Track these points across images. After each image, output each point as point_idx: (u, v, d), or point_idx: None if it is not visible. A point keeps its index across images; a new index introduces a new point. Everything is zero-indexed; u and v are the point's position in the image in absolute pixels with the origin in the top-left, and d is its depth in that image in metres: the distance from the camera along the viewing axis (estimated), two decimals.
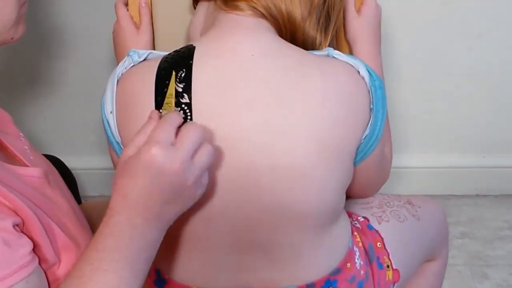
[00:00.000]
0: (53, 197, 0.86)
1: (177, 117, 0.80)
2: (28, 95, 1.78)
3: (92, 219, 1.00)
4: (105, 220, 0.76)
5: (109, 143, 0.94)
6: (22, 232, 0.76)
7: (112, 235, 0.75)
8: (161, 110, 0.83)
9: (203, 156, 0.78)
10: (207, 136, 0.81)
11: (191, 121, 0.80)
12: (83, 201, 1.40)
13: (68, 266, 0.80)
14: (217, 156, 0.84)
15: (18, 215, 0.76)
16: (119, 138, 0.91)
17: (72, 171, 1.34)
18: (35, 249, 0.77)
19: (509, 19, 1.70)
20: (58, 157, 1.32)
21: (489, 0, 1.68)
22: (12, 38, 0.81)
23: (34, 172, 0.85)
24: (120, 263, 0.74)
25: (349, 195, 1.07)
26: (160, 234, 0.79)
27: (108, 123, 0.91)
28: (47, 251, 0.78)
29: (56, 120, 1.83)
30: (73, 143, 1.85)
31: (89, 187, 1.83)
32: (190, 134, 0.77)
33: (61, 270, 0.80)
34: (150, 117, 0.81)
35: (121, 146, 0.92)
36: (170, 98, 0.83)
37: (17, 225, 0.75)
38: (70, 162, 1.34)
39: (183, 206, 0.80)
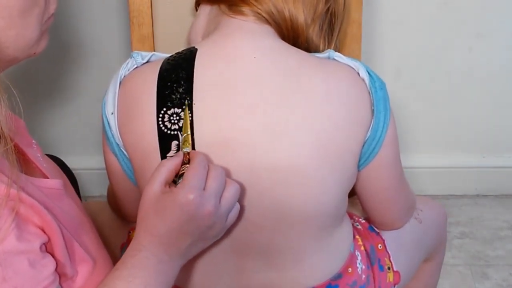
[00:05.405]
0: (70, 210, 0.85)
1: (205, 158, 0.81)
2: (28, 95, 1.78)
3: (92, 220, 1.00)
4: (131, 253, 0.80)
5: (108, 144, 0.93)
6: (47, 251, 0.77)
7: (140, 268, 0.78)
8: (180, 144, 0.84)
9: (230, 199, 0.81)
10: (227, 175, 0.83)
11: (215, 165, 0.82)
12: (83, 201, 1.39)
13: (83, 279, 0.82)
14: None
15: (45, 233, 0.76)
16: (120, 139, 0.91)
17: (73, 171, 1.33)
18: (57, 265, 0.78)
19: (509, 19, 1.70)
20: (58, 156, 1.32)
21: (489, 0, 1.68)
22: (34, 53, 0.80)
23: (54, 184, 0.85)
24: None
25: (373, 220, 1.06)
26: (179, 269, 0.82)
27: (108, 124, 0.91)
28: (67, 266, 0.79)
29: (56, 120, 1.83)
30: (73, 143, 1.85)
31: (89, 187, 1.83)
32: (217, 178, 0.80)
33: (77, 283, 0.82)
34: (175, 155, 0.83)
35: (122, 149, 0.92)
36: (187, 135, 0.84)
37: (44, 243, 0.76)
38: (70, 162, 1.33)
39: (206, 244, 0.84)
